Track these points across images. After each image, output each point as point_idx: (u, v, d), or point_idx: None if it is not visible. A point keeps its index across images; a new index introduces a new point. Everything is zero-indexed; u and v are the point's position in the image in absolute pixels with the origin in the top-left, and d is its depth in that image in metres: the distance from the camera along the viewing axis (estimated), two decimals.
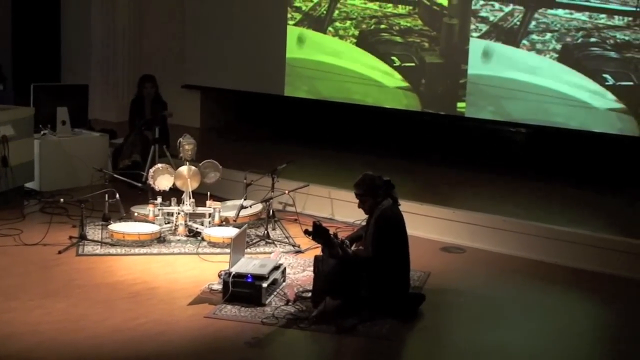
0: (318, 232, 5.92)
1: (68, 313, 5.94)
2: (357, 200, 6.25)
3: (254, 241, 7.66)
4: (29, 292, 6.31)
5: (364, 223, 6.58)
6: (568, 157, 9.89)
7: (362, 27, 10.67)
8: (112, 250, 7.36)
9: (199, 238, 7.63)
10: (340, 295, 5.92)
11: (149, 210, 7.86)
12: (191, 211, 7.89)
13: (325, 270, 6.01)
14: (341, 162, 10.09)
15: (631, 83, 8.99)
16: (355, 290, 5.95)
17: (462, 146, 10.61)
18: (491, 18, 9.73)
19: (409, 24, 10.33)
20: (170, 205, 7.92)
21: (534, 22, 9.47)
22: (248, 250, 7.30)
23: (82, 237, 7.49)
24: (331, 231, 6.12)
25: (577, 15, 9.23)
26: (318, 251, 6.15)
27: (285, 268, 6.67)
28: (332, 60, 10.92)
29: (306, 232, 6.04)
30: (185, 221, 7.80)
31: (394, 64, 10.45)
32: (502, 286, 7.01)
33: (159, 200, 7.90)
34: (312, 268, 6.28)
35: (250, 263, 6.40)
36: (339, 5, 10.82)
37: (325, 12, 10.95)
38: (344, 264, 5.95)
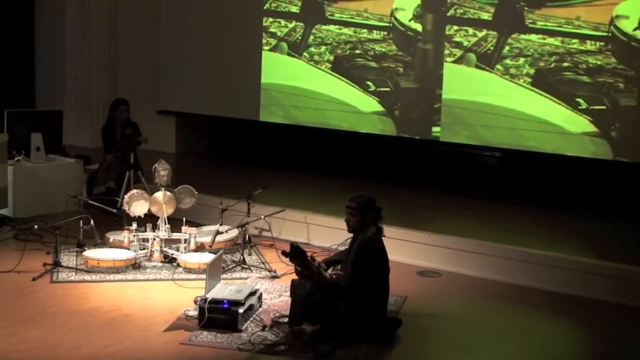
0: (295, 253, 5.91)
1: (42, 341, 5.88)
2: (345, 216, 6.15)
3: (230, 267, 7.63)
4: (2, 319, 6.24)
5: (340, 248, 6.56)
6: (542, 181, 9.96)
7: (337, 52, 10.72)
8: (87, 277, 7.30)
9: (175, 264, 7.60)
10: (317, 320, 5.90)
11: (124, 236, 7.82)
12: (167, 237, 7.86)
13: (302, 295, 6.00)
14: (317, 187, 10.11)
15: (604, 107, 9.07)
16: (333, 315, 5.94)
17: (437, 170, 10.65)
18: (465, 43, 9.81)
19: (383, 49, 10.39)
20: (145, 231, 7.88)
21: (507, 47, 9.55)
22: (224, 275, 7.28)
23: (57, 264, 7.43)
24: (308, 255, 6.11)
25: (550, 40, 9.32)
26: (294, 276, 6.14)
27: (261, 293, 6.65)
28: (307, 86, 10.95)
29: (283, 253, 6.04)
30: (161, 247, 7.76)
31: (369, 89, 10.50)
32: (478, 310, 7.01)
33: (134, 226, 7.87)
34: (288, 293, 6.26)
35: (227, 289, 6.37)
36: (314, 31, 10.87)
37: (300, 37, 10.99)
38: (321, 287, 5.93)
